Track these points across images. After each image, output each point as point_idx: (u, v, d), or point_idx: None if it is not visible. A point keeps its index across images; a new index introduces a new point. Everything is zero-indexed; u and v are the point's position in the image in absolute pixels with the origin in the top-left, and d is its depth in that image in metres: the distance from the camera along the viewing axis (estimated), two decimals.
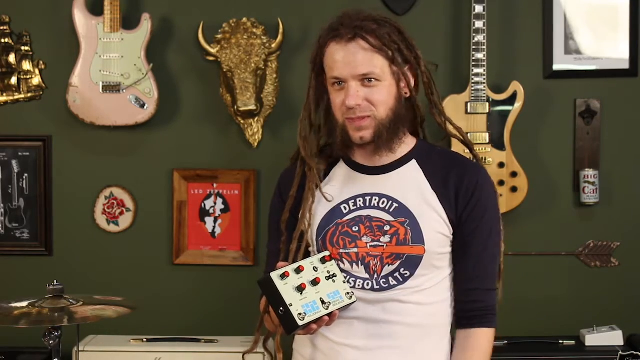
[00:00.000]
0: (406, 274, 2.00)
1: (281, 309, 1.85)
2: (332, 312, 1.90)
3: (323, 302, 1.89)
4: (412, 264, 2.00)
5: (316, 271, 1.92)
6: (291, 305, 1.84)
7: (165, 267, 3.49)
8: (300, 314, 1.84)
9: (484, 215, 2.04)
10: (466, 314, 2.05)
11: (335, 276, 1.94)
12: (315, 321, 1.87)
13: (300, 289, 1.87)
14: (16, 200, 3.47)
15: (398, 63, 2.00)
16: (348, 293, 1.94)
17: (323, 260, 1.95)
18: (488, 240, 2.05)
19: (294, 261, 2.04)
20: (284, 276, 1.87)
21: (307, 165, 2.09)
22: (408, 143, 2.09)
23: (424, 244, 2.00)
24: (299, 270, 1.90)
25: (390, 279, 2.00)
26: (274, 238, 2.15)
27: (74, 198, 3.48)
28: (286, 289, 1.86)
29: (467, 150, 2.20)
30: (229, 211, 3.46)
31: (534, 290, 3.42)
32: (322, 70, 2.06)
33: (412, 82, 2.05)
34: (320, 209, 2.07)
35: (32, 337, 2.87)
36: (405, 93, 2.05)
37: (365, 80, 1.97)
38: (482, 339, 2.04)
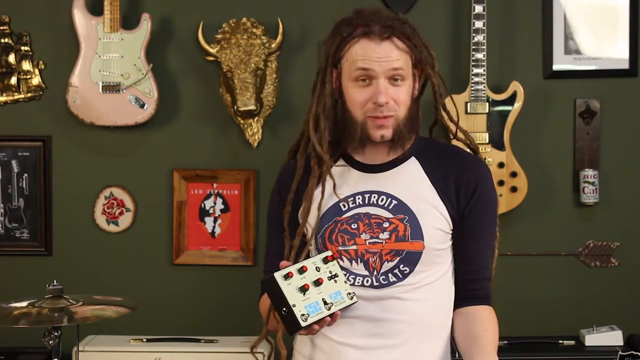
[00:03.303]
0: (405, 270, 2.00)
1: (284, 309, 1.84)
2: (334, 313, 1.90)
3: (325, 303, 1.89)
4: (411, 260, 2.00)
5: (318, 271, 1.92)
6: (294, 306, 1.84)
7: (165, 267, 3.49)
8: (303, 314, 1.84)
9: (487, 211, 2.06)
10: (467, 296, 2.07)
11: (337, 276, 1.94)
12: (317, 322, 1.87)
13: (304, 289, 1.87)
14: (16, 200, 3.47)
15: (419, 64, 2.03)
16: (350, 293, 1.94)
17: (325, 260, 1.95)
18: (489, 234, 2.08)
19: (296, 258, 2.04)
20: (287, 276, 1.86)
21: (316, 160, 2.06)
22: (409, 140, 2.10)
23: (423, 240, 2.00)
24: (302, 271, 1.89)
25: (390, 275, 2.00)
26: (273, 237, 2.15)
27: (74, 198, 3.48)
28: (289, 289, 1.85)
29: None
30: (229, 211, 3.46)
31: (534, 290, 3.42)
32: (335, 66, 2.05)
33: (418, 84, 2.07)
34: (323, 205, 2.06)
35: (32, 337, 2.87)
36: (414, 94, 2.06)
37: (392, 79, 1.98)
38: (489, 313, 2.05)
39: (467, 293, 2.07)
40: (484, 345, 1.98)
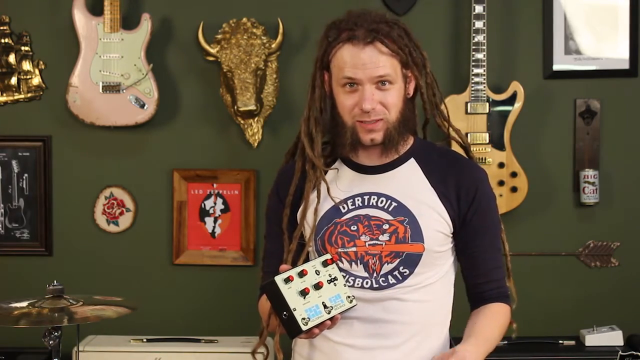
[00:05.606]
0: (405, 272, 2.00)
1: (285, 313, 1.84)
2: (333, 316, 1.89)
3: (325, 306, 1.88)
4: (411, 262, 2.00)
5: (318, 275, 1.92)
6: (295, 310, 1.83)
7: (165, 267, 3.49)
8: (303, 318, 1.83)
9: (487, 214, 2.06)
10: (482, 298, 2.07)
11: (337, 280, 1.94)
12: (317, 325, 1.86)
13: (304, 293, 1.86)
14: (16, 200, 3.47)
15: (409, 66, 2.01)
16: (349, 297, 1.94)
17: (325, 264, 1.94)
18: (493, 235, 2.08)
19: (294, 260, 2.03)
20: (288, 280, 1.86)
21: (310, 164, 2.07)
22: (407, 142, 2.10)
23: (423, 242, 2.00)
24: (302, 274, 1.88)
25: (390, 277, 2.00)
26: (272, 238, 2.15)
27: (74, 198, 3.48)
28: (290, 293, 1.85)
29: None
30: (229, 211, 3.46)
31: (533, 290, 3.41)
32: (326, 69, 2.05)
33: (413, 83, 2.06)
34: (319, 209, 2.06)
35: (32, 337, 2.87)
36: (408, 94, 2.05)
37: (379, 83, 1.97)
38: (498, 309, 2.05)
39: (481, 295, 2.07)
40: (473, 331, 1.98)
